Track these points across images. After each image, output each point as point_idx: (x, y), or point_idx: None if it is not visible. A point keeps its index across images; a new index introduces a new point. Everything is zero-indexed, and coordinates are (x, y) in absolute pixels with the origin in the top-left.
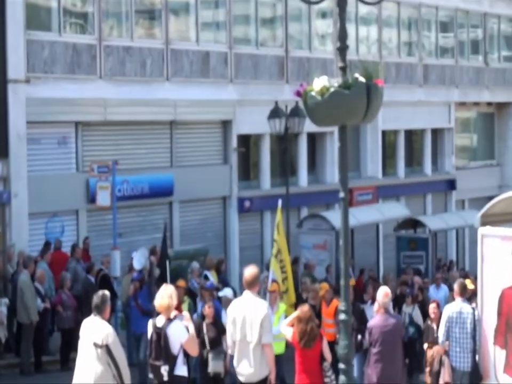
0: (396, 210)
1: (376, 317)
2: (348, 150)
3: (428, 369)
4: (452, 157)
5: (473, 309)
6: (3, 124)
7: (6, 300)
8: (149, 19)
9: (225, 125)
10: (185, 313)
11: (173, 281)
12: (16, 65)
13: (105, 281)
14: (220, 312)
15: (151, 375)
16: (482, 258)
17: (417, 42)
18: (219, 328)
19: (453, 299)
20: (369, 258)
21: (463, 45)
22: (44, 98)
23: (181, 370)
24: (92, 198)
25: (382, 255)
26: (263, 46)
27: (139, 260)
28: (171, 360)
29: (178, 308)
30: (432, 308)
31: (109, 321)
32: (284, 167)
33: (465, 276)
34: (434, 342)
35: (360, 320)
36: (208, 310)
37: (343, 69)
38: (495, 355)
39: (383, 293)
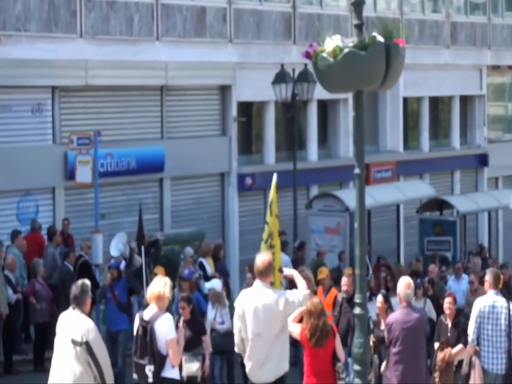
0: (419, 189)
1: (396, 311)
2: (364, 120)
3: (436, 374)
4: (483, 129)
5: (509, 302)
6: None
7: None
8: None
9: (224, 90)
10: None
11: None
12: None
13: (85, 269)
14: (202, 307)
15: (135, 376)
16: None
17: None
18: (197, 327)
19: (474, 292)
20: (388, 245)
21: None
22: (16, 59)
23: (170, 372)
24: (70, 174)
25: (402, 241)
26: (267, 0)
27: (116, 245)
28: (157, 360)
29: None
30: (447, 302)
31: (89, 315)
32: (291, 140)
33: (503, 266)
34: (447, 342)
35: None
36: (182, 304)
37: (359, 27)
38: None
39: (405, 283)
